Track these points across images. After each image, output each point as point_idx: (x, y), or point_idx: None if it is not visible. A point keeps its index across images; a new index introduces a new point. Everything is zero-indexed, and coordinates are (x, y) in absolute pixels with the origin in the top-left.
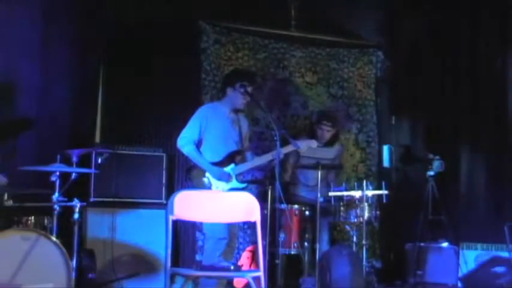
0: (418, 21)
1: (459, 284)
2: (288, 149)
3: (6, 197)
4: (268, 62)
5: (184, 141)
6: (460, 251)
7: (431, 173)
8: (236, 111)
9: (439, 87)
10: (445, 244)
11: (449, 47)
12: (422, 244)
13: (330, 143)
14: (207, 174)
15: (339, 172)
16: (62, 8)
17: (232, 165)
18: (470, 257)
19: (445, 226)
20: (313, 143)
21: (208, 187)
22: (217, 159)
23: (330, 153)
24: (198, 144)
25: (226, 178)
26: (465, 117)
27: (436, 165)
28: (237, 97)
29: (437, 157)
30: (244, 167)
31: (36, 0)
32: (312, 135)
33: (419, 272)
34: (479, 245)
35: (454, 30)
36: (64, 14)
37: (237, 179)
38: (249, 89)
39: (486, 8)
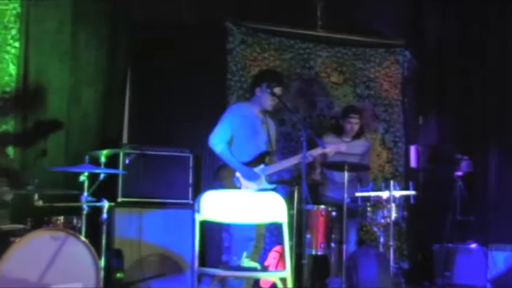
0: (445, 20)
1: (488, 286)
2: (317, 151)
3: (36, 197)
4: (294, 63)
5: (217, 140)
6: (489, 252)
7: (460, 173)
8: (264, 112)
9: (467, 87)
10: (473, 245)
11: (477, 45)
12: (450, 245)
13: (357, 136)
14: (238, 174)
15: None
16: (90, 10)
17: (262, 166)
18: (500, 258)
19: (473, 227)
20: (343, 147)
21: (239, 187)
22: (246, 159)
23: (357, 148)
24: (229, 143)
25: (256, 178)
26: (493, 116)
27: (464, 165)
28: (265, 98)
29: (465, 157)
30: (273, 168)
31: (66, 3)
32: (340, 131)
33: (447, 273)
34: (508, 246)
35: (482, 29)
36: (93, 16)
37: (266, 180)
38: (277, 90)
39: None
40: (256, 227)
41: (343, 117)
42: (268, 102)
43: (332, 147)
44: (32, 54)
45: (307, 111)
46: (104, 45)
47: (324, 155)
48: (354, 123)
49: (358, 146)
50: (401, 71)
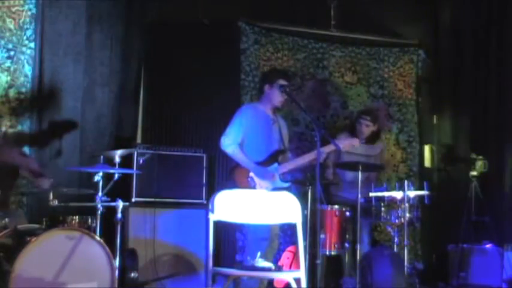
0: (460, 19)
1: (504, 286)
2: (329, 148)
3: (51, 196)
4: (308, 62)
5: (229, 142)
6: (505, 253)
7: (475, 173)
8: (274, 110)
9: (482, 86)
10: (488, 246)
11: (492, 45)
12: (465, 245)
13: (370, 141)
14: (251, 173)
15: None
16: (105, 11)
17: (275, 165)
18: None
19: (488, 227)
20: (356, 142)
21: (253, 187)
22: (259, 158)
23: (371, 150)
24: (241, 144)
25: (270, 177)
26: (509, 115)
27: (479, 165)
28: (274, 94)
29: (480, 157)
30: (287, 166)
31: (80, 4)
32: (353, 131)
33: (462, 274)
34: None
35: (498, 27)
36: (107, 16)
37: (280, 178)
38: (284, 83)
39: None
40: (271, 226)
41: (356, 118)
42: (278, 98)
43: (345, 141)
44: (47, 55)
45: (321, 111)
46: (118, 45)
47: (338, 153)
48: (364, 125)
49: (371, 149)
50: (416, 71)
